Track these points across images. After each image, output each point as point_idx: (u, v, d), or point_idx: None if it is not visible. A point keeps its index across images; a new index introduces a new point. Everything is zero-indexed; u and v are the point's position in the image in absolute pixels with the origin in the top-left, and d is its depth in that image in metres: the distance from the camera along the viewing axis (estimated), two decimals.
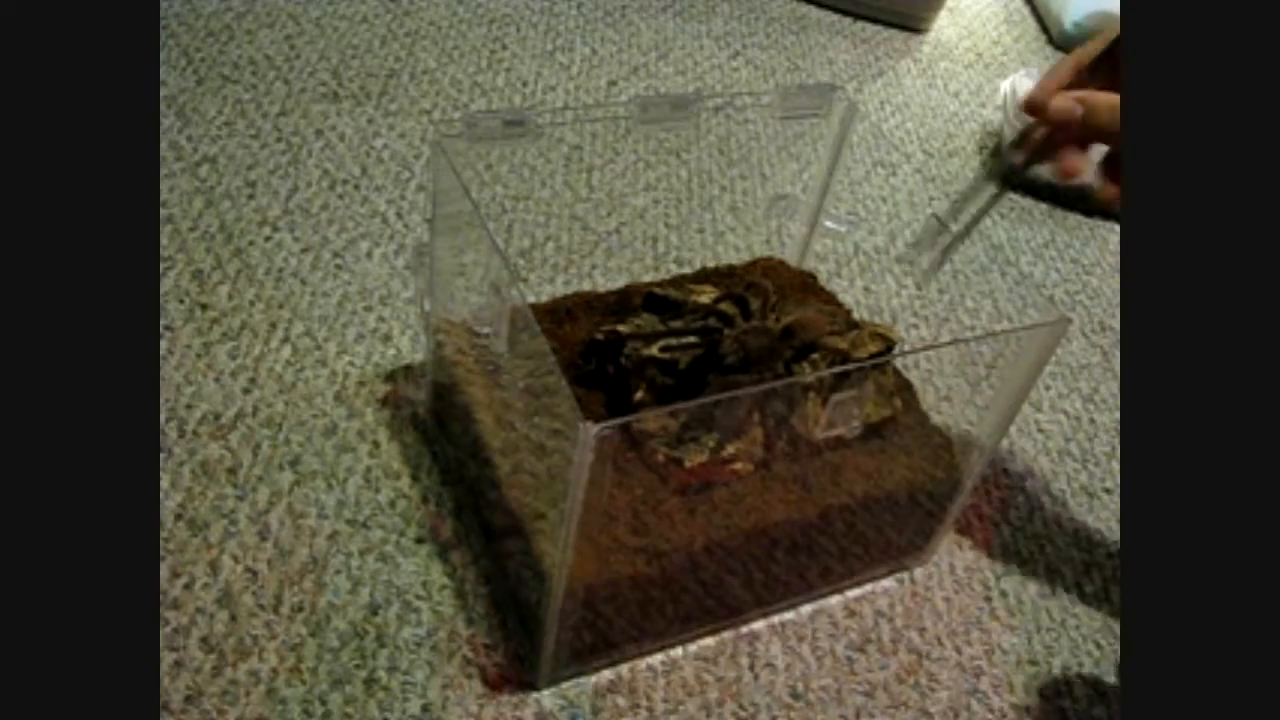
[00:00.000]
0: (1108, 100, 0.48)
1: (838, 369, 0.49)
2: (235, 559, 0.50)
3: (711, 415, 0.47)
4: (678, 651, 0.51)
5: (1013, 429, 0.67)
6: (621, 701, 0.48)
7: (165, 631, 0.47)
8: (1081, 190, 0.88)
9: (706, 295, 0.55)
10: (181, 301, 0.63)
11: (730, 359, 0.50)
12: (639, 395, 0.50)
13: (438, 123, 0.83)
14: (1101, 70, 0.50)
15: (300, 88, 0.84)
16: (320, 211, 0.72)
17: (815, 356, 0.52)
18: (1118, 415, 0.70)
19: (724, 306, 0.54)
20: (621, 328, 0.53)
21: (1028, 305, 0.74)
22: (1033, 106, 0.50)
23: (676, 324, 0.53)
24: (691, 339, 0.52)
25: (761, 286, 0.56)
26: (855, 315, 0.62)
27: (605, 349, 0.53)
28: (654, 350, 0.51)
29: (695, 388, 0.50)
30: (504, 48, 0.95)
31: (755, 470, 0.49)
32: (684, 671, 0.50)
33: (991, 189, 0.54)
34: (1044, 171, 0.88)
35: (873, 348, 0.53)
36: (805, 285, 0.63)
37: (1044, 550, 0.60)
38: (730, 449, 0.47)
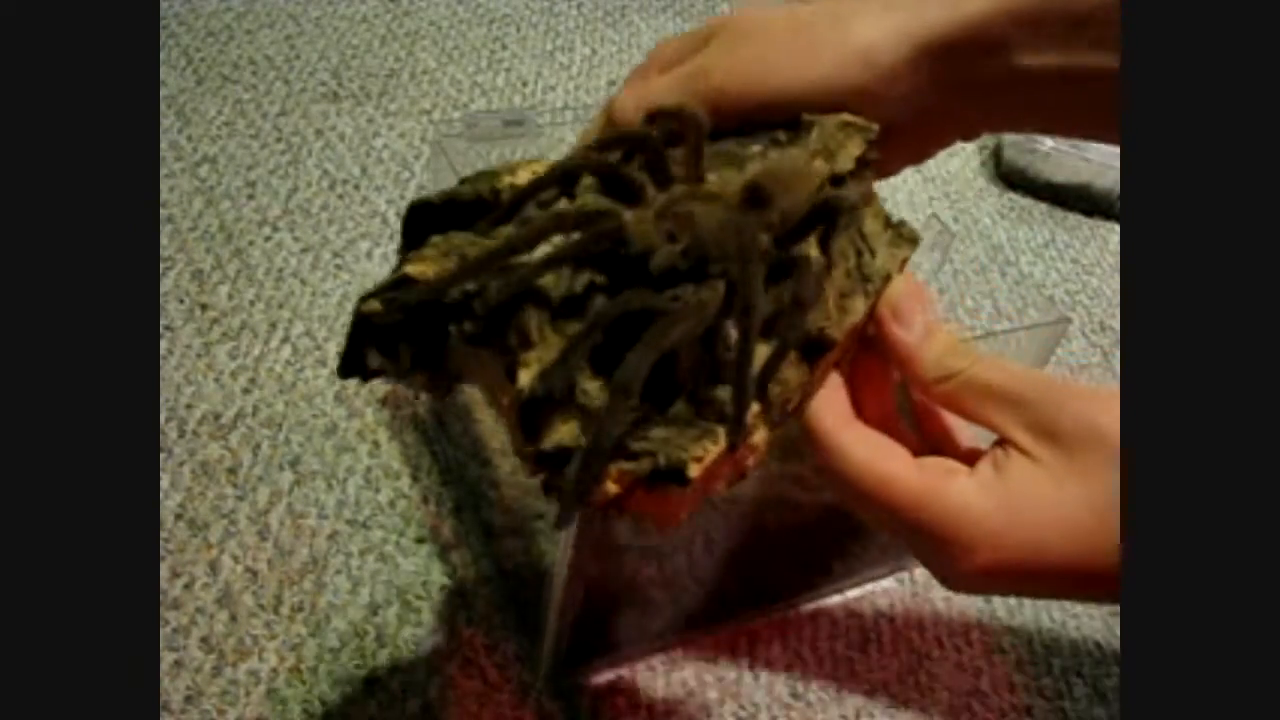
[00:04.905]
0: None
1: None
2: (235, 559, 0.50)
3: (705, 363, 0.26)
4: (678, 651, 0.51)
5: None
6: (621, 701, 0.48)
7: (165, 631, 0.47)
8: (1082, 189, 0.88)
9: (526, 173, 0.31)
10: (181, 301, 0.63)
11: (665, 258, 0.26)
12: (528, 378, 0.26)
13: (438, 123, 0.83)
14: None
15: (300, 88, 0.84)
16: (320, 211, 0.72)
17: (843, 225, 0.30)
18: None
19: (584, 194, 0.29)
20: (414, 269, 0.27)
21: (1028, 305, 0.74)
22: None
23: (510, 230, 0.29)
24: (566, 237, 0.27)
25: (641, 137, 0.31)
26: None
27: (421, 315, 0.27)
28: (510, 281, 0.26)
29: (622, 332, 0.25)
30: (504, 48, 0.95)
31: (775, 431, 0.29)
32: (684, 671, 0.50)
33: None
34: (1044, 170, 0.88)
35: (854, 150, 0.34)
36: None
37: None
38: (750, 422, 0.27)
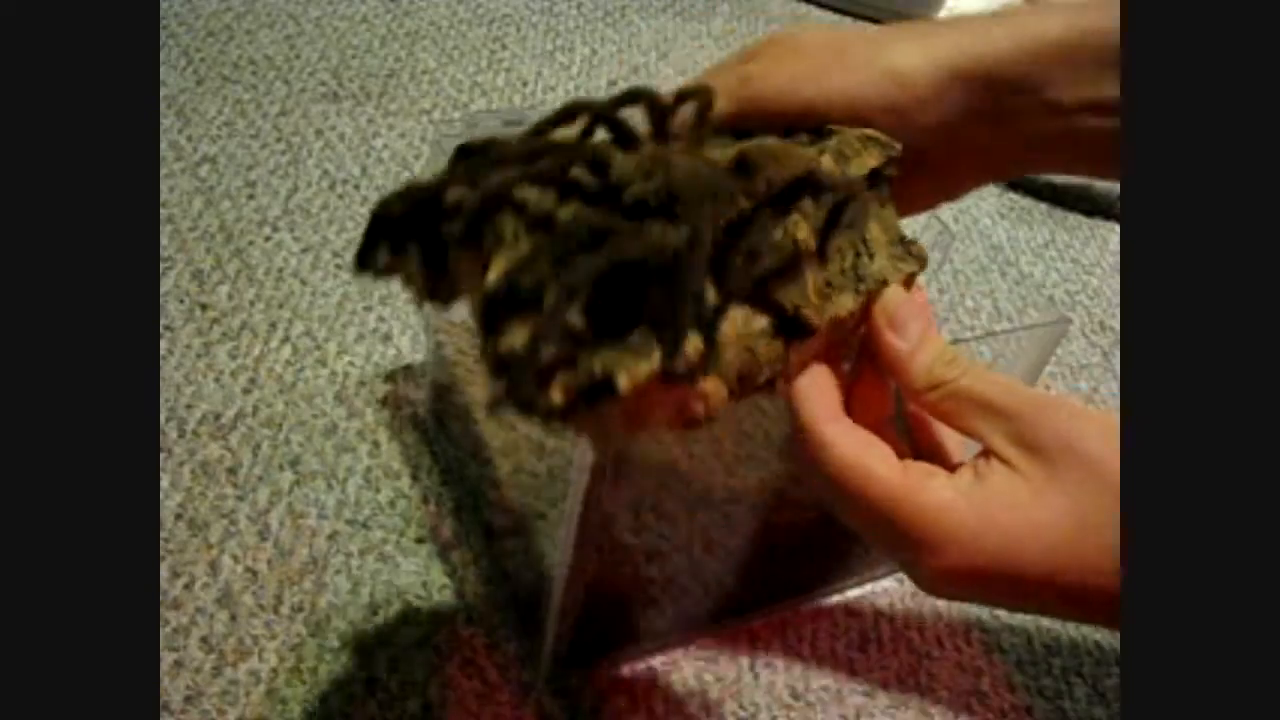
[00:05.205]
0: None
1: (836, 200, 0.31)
2: (235, 559, 0.50)
3: (645, 288, 0.26)
4: (678, 651, 0.51)
5: None
6: (622, 701, 0.48)
7: (165, 631, 0.47)
8: (1082, 189, 0.88)
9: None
10: (181, 301, 0.63)
11: (638, 190, 0.27)
12: (494, 274, 0.27)
13: (438, 123, 0.83)
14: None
15: (300, 88, 0.84)
16: (320, 211, 0.72)
17: (809, 202, 0.31)
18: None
19: (595, 144, 0.30)
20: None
21: (1028, 305, 0.74)
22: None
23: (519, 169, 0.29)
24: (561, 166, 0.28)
25: (649, 93, 0.32)
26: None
27: (417, 215, 0.29)
28: (498, 184, 0.27)
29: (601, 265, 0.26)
30: (504, 48, 0.95)
31: (735, 395, 0.30)
32: (684, 671, 0.50)
33: None
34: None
35: (870, 161, 0.34)
36: None
37: None
38: (689, 350, 0.26)
